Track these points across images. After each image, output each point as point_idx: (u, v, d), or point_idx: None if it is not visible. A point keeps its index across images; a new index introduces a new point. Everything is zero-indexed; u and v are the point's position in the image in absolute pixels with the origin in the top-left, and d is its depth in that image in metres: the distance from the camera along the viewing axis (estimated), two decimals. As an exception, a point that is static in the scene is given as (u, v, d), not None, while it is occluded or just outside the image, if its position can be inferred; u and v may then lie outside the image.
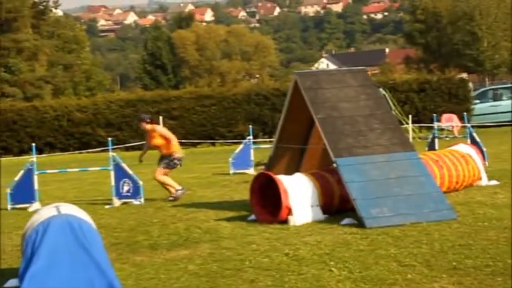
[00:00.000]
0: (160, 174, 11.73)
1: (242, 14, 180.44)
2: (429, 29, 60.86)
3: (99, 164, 15.58)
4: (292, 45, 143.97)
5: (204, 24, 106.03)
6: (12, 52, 50.77)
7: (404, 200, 8.16)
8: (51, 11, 57.50)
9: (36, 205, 11.34)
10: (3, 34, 50.96)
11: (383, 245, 6.83)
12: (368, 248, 6.75)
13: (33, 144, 12.87)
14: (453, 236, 6.94)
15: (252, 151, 16.75)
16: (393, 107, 24.96)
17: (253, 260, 6.60)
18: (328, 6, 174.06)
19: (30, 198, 11.49)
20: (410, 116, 24.41)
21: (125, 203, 11.44)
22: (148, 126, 11.97)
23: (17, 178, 11.79)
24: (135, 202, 11.40)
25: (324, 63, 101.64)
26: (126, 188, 11.58)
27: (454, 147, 11.03)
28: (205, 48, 71.68)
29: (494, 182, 10.81)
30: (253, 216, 8.95)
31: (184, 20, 77.77)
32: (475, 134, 14.48)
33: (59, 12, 64.42)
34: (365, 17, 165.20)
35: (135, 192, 11.51)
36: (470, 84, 33.57)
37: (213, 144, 30.92)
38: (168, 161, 11.83)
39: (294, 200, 8.49)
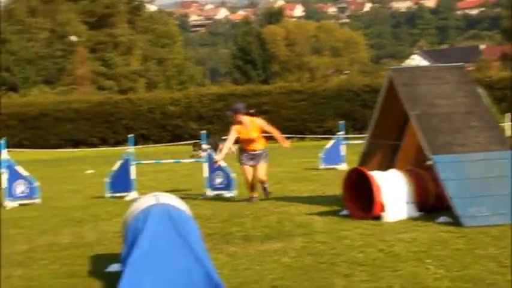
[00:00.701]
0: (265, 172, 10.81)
1: (332, 10, 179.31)
2: (528, 25, 58.60)
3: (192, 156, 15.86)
4: (383, 41, 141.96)
5: (294, 19, 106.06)
6: (109, 46, 52.48)
7: (503, 200, 7.92)
8: (145, 6, 59.04)
9: (133, 194, 11.70)
10: (100, 29, 52.75)
11: (481, 244, 6.67)
12: (465, 247, 6.60)
13: (131, 136, 13.25)
14: (556, 238, 6.69)
15: (342, 147, 16.66)
16: (491, 105, 24.24)
17: (348, 254, 6.58)
18: (420, 1, 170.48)
19: (127, 188, 11.86)
20: (509, 115, 23.65)
21: (217, 195, 11.63)
22: (245, 118, 10.72)
23: (115, 168, 12.18)
24: (228, 194, 11.56)
25: (416, 60, 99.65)
26: (218, 180, 11.77)
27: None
28: (295, 43, 71.70)
29: None
30: (345, 212, 8.92)
31: (274, 16, 77.97)
32: None
33: (153, 7, 66.08)
34: (459, 12, 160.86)
35: (228, 185, 11.68)
36: None
37: (303, 139, 30.93)
38: (266, 155, 10.88)
39: (388, 196, 8.40)
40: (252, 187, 10.80)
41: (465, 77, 9.71)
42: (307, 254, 6.73)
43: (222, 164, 11.27)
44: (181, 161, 14.62)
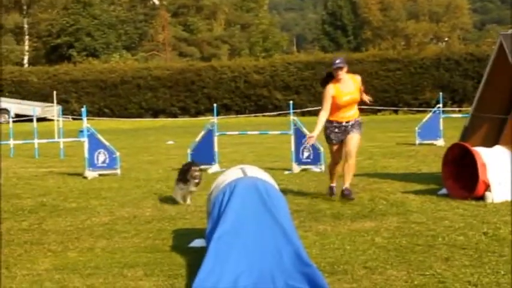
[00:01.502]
0: None
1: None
2: None
3: (276, 128, 15.94)
4: (489, 5, 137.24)
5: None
6: (192, 10, 53.03)
7: None
8: (230, -32, 59.22)
9: (215, 167, 11.86)
10: (183, -8, 53.32)
11: None
12: None
13: (215, 105, 13.38)
14: None
15: (441, 121, 16.33)
16: None
17: (447, 237, 6.46)
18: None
19: (210, 160, 12.02)
20: None
21: (304, 169, 11.63)
22: (346, 76, 8.66)
23: (197, 139, 12.36)
24: (315, 169, 11.55)
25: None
26: (306, 154, 11.77)
27: None
28: (390, 8, 70.36)
29: None
30: (444, 191, 8.75)
31: (368, -23, 76.59)
32: None
33: (238, -31, 66.19)
34: None
35: (315, 159, 11.66)
36: None
37: (396, 112, 30.50)
38: (361, 126, 8.91)
39: (494, 174, 8.17)
40: (334, 174, 8.86)
41: None
42: (402, 234, 6.65)
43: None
44: (268, 132, 14.68)
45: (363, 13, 68.94)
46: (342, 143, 8.68)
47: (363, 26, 69.79)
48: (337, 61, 8.63)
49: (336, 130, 8.67)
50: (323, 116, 8.57)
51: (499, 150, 8.61)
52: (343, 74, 8.57)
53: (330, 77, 8.65)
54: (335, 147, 8.75)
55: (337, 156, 8.80)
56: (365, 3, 68.58)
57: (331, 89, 8.55)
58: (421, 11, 72.84)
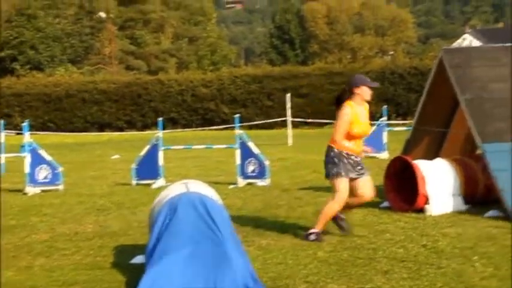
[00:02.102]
0: None
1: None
2: None
3: (223, 142, 15.92)
4: (433, 19, 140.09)
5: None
6: (139, 24, 52.75)
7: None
8: (178, -19, 59.16)
9: (160, 182, 11.78)
10: (130, 5, 53.05)
11: (534, 241, 6.57)
12: (516, 244, 6.51)
13: (160, 119, 13.32)
14: None
15: (384, 134, 16.53)
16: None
17: (387, 249, 6.55)
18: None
19: (155, 175, 11.94)
20: None
21: (249, 183, 11.65)
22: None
23: (142, 153, 12.27)
24: (261, 183, 11.57)
25: (467, 40, 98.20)
26: (251, 167, 11.78)
27: None
28: (336, 22, 71.24)
29: None
30: (386, 203, 8.86)
31: (318, -9, 77.45)
32: None
33: (186, -18, 66.12)
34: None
35: (261, 173, 11.68)
36: None
37: (342, 125, 30.69)
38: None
39: (433, 187, 8.31)
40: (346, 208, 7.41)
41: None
42: (344, 248, 6.71)
43: (256, 151, 10.92)
44: (213, 146, 14.66)
45: (310, 27, 69.62)
46: (354, 178, 7.35)
47: (310, 40, 70.47)
48: (359, 78, 7.41)
49: (350, 161, 7.40)
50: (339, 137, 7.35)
51: (439, 163, 8.77)
52: (367, 93, 7.40)
53: (345, 95, 7.31)
54: (345, 183, 7.24)
55: (346, 193, 7.24)
56: (312, 17, 69.30)
57: (351, 110, 7.25)
58: (366, 25, 73.93)
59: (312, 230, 7.15)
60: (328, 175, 7.34)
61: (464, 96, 8.69)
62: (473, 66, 8.96)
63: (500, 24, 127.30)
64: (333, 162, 7.31)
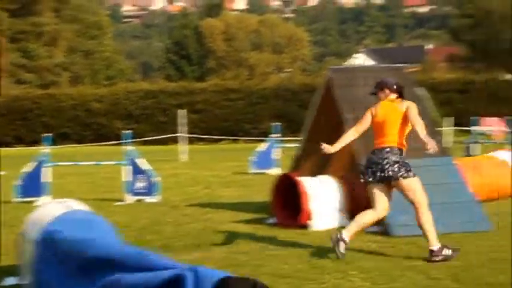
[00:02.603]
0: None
1: (276, 3, 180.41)
2: (477, 25, 60.25)
3: (115, 158, 15.68)
4: (328, 38, 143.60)
5: (235, 12, 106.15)
6: (31, 36, 51.36)
7: (437, 208, 8.05)
8: (73, -6, 58.03)
9: (44, 199, 11.46)
10: (22, 17, 51.58)
11: (410, 255, 6.78)
12: (394, 258, 6.71)
13: (47, 135, 12.98)
14: (487, 249, 6.87)
15: (275, 150, 16.74)
16: (433, 108, 24.77)
17: (271, 265, 6.59)
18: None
19: (39, 192, 11.61)
20: (451, 119, 24.20)
21: (138, 200, 11.51)
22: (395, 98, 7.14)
23: (27, 170, 11.91)
24: (150, 200, 11.46)
25: (361, 59, 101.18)
26: (140, 184, 11.65)
27: (493, 154, 10.93)
28: (234, 38, 71.78)
29: (537, 193, 10.66)
30: (273, 219, 8.95)
31: (214, 8, 77.91)
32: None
33: (81, -5, 65.01)
34: (408, 10, 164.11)
35: (150, 189, 11.57)
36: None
37: (236, 140, 31.01)
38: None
39: (316, 203, 8.46)
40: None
41: (405, 79, 9.86)
42: (228, 265, 6.71)
43: (146, 167, 10.85)
44: (102, 163, 14.41)
45: (207, 43, 69.83)
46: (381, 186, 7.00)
47: (207, 56, 70.67)
48: (386, 80, 7.28)
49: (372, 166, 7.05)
50: (349, 135, 7.51)
51: (324, 179, 8.94)
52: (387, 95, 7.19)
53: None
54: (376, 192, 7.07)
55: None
56: (210, 33, 69.54)
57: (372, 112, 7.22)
58: (264, 42, 74.89)
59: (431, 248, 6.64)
60: (401, 176, 6.81)
61: (348, 115, 8.91)
62: (358, 86, 9.21)
63: (392, 45, 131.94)
64: (403, 162, 6.89)
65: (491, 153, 11.09)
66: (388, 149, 6.87)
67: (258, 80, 42.60)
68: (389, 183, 6.87)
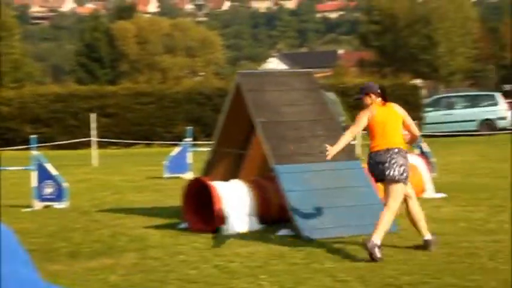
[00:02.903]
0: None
1: (189, 7, 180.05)
2: (385, 31, 61.87)
3: (22, 163, 15.28)
4: (241, 42, 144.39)
5: (148, 15, 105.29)
6: None
7: (345, 212, 8.25)
8: (-22, -6, 56.34)
9: None
10: None
11: (319, 258, 6.90)
12: (303, 261, 6.80)
13: None
14: (392, 251, 7.06)
15: (189, 154, 16.70)
16: (342, 112, 25.25)
17: (180, 271, 6.58)
18: (280, 2, 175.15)
19: None
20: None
21: (46, 206, 11.26)
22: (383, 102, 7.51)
23: None
24: (58, 206, 11.22)
25: (274, 63, 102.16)
26: (48, 190, 11.40)
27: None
28: (147, 41, 71.18)
29: (440, 195, 11.04)
30: (184, 224, 8.93)
31: (125, 11, 77.05)
32: (423, 144, 14.74)
33: (-13, -5, 63.15)
34: (319, 15, 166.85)
35: (59, 195, 11.34)
36: (423, 91, 34.24)
37: (149, 145, 30.75)
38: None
39: (229, 208, 8.50)
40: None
41: (313, 83, 10.05)
42: (138, 271, 6.66)
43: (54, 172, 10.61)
44: (8, 168, 14.03)
45: (119, 46, 68.99)
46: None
47: (120, 59, 69.82)
48: (369, 85, 7.75)
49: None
50: (347, 137, 7.58)
51: (235, 184, 8.99)
52: (372, 100, 7.52)
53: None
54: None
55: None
56: (122, 37, 68.73)
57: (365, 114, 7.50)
58: (177, 45, 74.60)
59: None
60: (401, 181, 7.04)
61: (259, 119, 9.00)
62: (266, 90, 9.31)
63: (304, 49, 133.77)
64: (407, 168, 7.14)
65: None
66: (396, 150, 7.14)
67: (171, 83, 42.39)
68: (388, 183, 7.08)
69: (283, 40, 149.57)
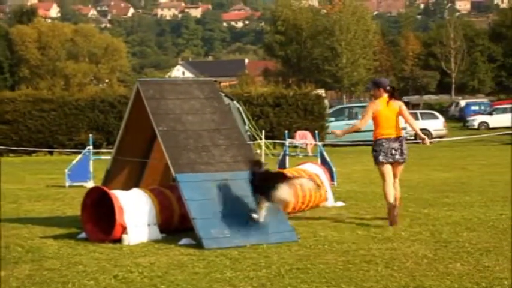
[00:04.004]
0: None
1: (92, 13, 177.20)
2: (289, 42, 62.81)
3: None
4: (147, 50, 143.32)
5: (49, 20, 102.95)
6: None
7: (245, 221, 8.27)
8: None
9: None
10: None
11: (220, 267, 6.89)
12: (203, 270, 6.78)
13: None
14: (292, 259, 7.13)
15: (91, 162, 16.40)
16: (247, 121, 25.42)
17: (77, 282, 6.44)
18: (186, 10, 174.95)
19: None
20: (263, 132, 24.92)
21: None
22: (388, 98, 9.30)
23: None
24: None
25: (180, 71, 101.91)
26: None
27: (302, 166, 11.38)
28: (48, 47, 69.60)
29: (340, 204, 11.26)
30: (83, 234, 8.74)
31: (25, 15, 75.11)
32: (325, 153, 15.02)
33: None
34: (225, 24, 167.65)
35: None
36: (326, 101, 34.92)
37: (51, 153, 30.02)
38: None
39: (129, 217, 8.38)
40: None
41: (215, 92, 10.06)
42: (32, 283, 6.47)
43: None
44: None
45: (19, 50, 67.22)
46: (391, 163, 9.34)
47: (20, 64, 67.99)
48: (380, 80, 9.61)
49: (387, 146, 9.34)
50: (358, 124, 9.53)
51: (136, 192, 8.88)
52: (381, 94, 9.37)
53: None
54: (387, 169, 9.35)
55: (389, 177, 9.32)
56: (21, 41, 66.96)
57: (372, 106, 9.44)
58: (80, 51, 73.31)
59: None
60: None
61: (159, 127, 8.94)
62: (167, 99, 9.26)
63: (210, 58, 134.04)
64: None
65: (300, 166, 11.53)
66: (401, 138, 9.23)
67: (74, 90, 41.59)
68: (398, 164, 9.23)
69: (189, 48, 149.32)
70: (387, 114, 9.12)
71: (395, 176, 9.23)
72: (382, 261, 6.93)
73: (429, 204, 11.05)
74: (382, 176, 9.19)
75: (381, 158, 9.12)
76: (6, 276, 6.72)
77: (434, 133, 33.31)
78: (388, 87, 9.26)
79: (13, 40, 66.84)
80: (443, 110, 53.93)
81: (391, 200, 9.02)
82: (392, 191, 9.09)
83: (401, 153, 9.14)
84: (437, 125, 35.45)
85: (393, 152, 9.09)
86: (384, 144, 9.09)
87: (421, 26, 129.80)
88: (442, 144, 30.18)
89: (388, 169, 9.14)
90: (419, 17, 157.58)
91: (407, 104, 57.04)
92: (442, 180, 15.25)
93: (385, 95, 9.22)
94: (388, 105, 9.17)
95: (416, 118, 33.01)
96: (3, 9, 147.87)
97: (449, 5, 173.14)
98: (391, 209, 8.99)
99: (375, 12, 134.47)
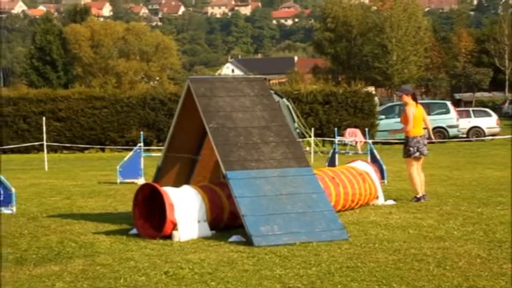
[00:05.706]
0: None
1: (144, 11, 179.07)
2: (339, 39, 62.43)
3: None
4: (197, 48, 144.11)
5: (101, 19, 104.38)
6: None
7: (295, 218, 8.26)
8: None
9: None
10: None
11: (269, 265, 6.88)
12: (253, 268, 6.78)
13: None
14: (342, 257, 7.09)
15: (142, 159, 16.57)
16: (296, 119, 25.36)
17: (129, 278, 6.50)
18: (236, 8, 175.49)
19: None
20: (313, 129, 24.82)
21: (-7, 211, 11.03)
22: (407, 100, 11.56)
23: None
24: (6, 211, 11.01)
25: (229, 69, 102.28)
26: (-5, 194, 11.17)
27: (352, 164, 11.30)
28: (100, 45, 70.52)
29: (390, 202, 11.15)
30: (135, 230, 8.83)
31: (79, 14, 76.25)
32: (375, 151, 14.88)
33: None
34: (274, 22, 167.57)
35: (6, 200, 11.12)
36: (376, 99, 34.61)
37: (103, 150, 30.44)
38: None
39: (180, 214, 8.43)
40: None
41: (265, 90, 10.04)
42: (85, 278, 6.56)
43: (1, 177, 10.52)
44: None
45: (73, 49, 68.25)
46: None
47: (73, 62, 69.06)
48: (406, 87, 12.05)
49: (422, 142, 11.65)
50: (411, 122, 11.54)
51: (187, 189, 8.93)
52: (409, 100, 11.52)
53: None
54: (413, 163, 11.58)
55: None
56: (75, 40, 67.99)
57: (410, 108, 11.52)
58: (132, 50, 74.06)
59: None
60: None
61: (210, 124, 8.97)
62: (218, 96, 9.29)
63: (259, 55, 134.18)
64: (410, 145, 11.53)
65: (350, 164, 11.46)
66: (426, 135, 11.57)
67: (126, 88, 42.07)
68: (424, 156, 11.54)
69: (238, 46, 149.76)
70: (419, 116, 11.37)
71: (420, 165, 11.45)
72: (433, 261, 6.84)
73: (482, 203, 10.86)
74: (411, 166, 11.31)
75: (415, 152, 11.29)
76: (60, 271, 6.83)
77: (487, 131, 32.72)
78: (411, 93, 11.52)
79: (67, 39, 67.92)
80: (497, 108, 52.92)
81: (418, 186, 11.28)
82: (418, 178, 11.28)
83: (426, 149, 11.47)
84: (490, 122, 34.79)
85: (422, 147, 11.35)
86: (419, 141, 11.31)
87: (473, 22, 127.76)
88: (495, 142, 29.63)
89: (417, 161, 11.37)
90: (472, 13, 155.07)
91: (459, 101, 56.22)
92: (496, 178, 14.98)
93: (411, 100, 11.41)
94: (417, 108, 11.41)
95: (469, 116, 32.52)
96: (58, 9, 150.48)
97: (503, 0, 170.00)
98: (417, 192, 11.31)
99: (427, 9, 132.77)
